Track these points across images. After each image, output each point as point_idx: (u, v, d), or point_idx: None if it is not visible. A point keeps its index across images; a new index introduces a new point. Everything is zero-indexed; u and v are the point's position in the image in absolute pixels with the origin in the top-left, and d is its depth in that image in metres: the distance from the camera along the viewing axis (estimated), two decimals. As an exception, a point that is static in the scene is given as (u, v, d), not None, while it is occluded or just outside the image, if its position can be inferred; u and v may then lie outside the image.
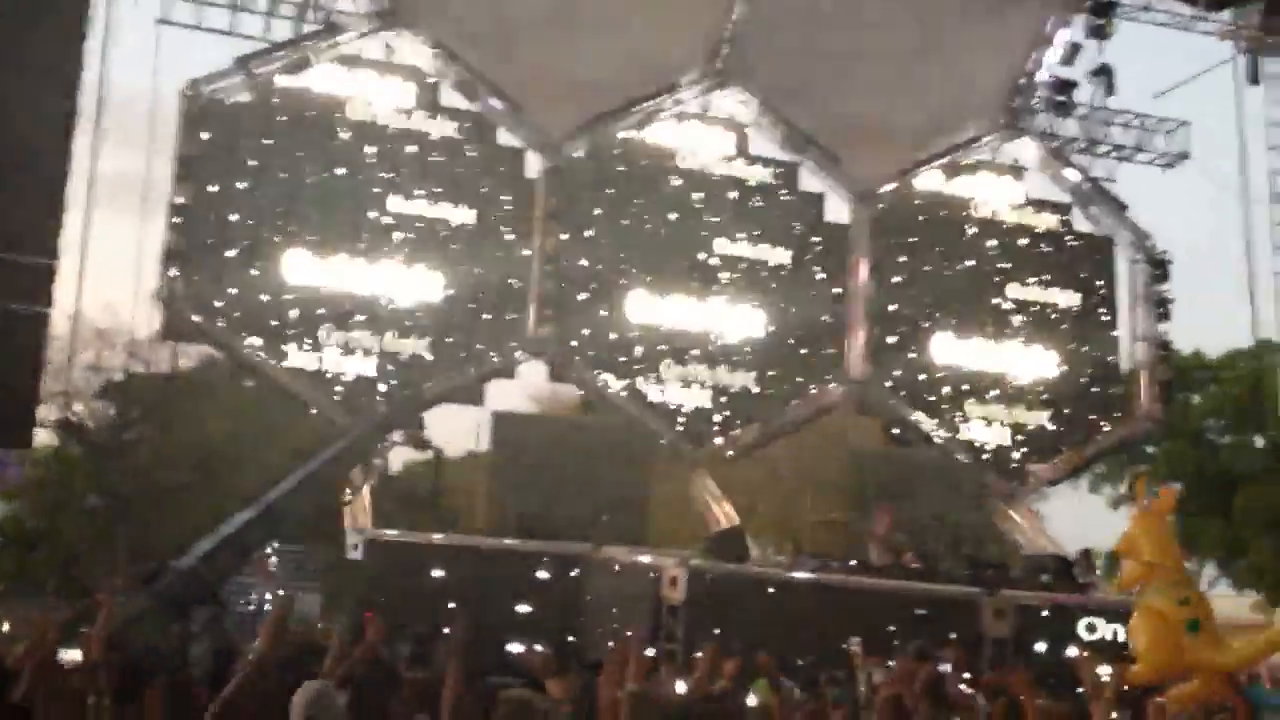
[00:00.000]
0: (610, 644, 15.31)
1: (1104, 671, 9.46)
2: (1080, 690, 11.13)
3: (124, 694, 5.30)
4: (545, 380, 24.36)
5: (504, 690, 6.66)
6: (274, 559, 17.95)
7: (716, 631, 14.86)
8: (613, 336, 22.48)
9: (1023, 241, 25.70)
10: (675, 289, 22.96)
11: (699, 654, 8.35)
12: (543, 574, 17.52)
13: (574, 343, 22.26)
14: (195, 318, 20.40)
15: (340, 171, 21.61)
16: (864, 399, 24.16)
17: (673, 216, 23.35)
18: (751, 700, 10.03)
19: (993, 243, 25.53)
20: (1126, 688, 11.09)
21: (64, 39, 18.57)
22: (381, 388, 21.05)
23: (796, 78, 23.65)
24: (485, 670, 8.50)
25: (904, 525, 19.95)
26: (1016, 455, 24.70)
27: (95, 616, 8.83)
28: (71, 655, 8.52)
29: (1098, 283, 26.11)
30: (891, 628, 15.59)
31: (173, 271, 20.24)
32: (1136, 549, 11.87)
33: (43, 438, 25.35)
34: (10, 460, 22.61)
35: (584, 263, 22.63)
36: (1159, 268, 25.79)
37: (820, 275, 24.14)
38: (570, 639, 16.05)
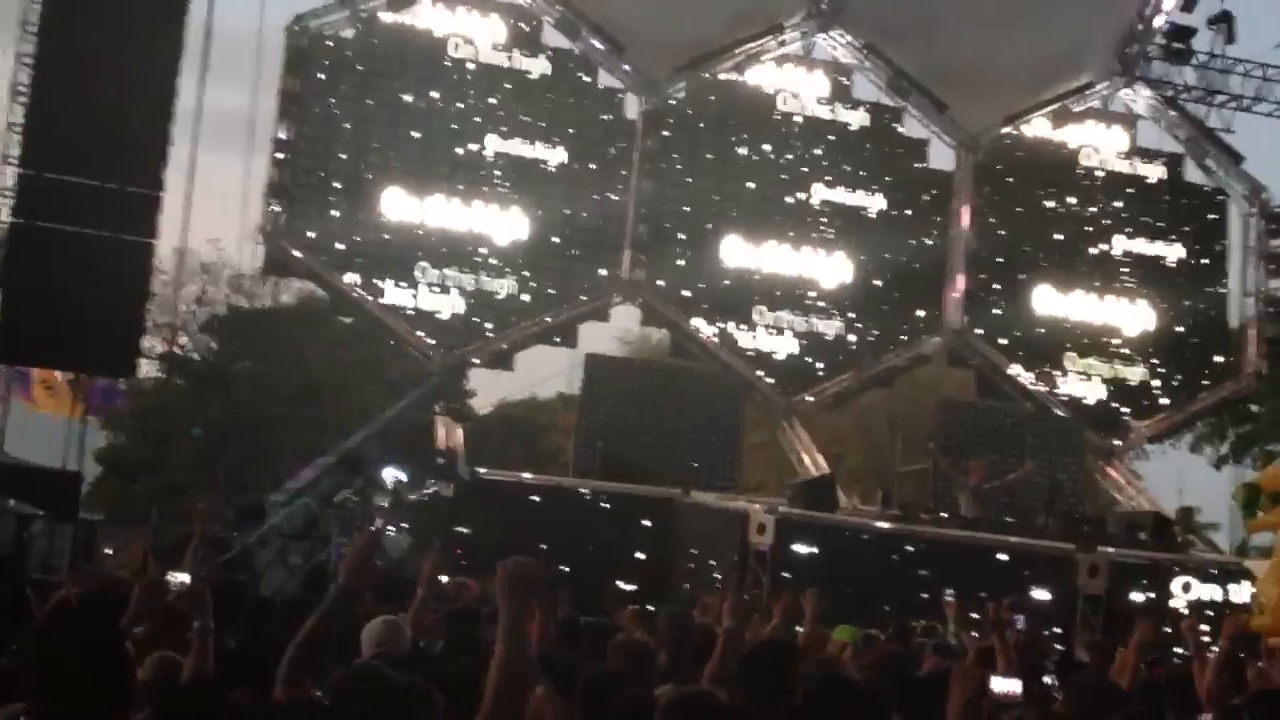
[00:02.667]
0: (686, 586, 15.48)
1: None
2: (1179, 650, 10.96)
3: (220, 617, 5.42)
4: (637, 324, 24.40)
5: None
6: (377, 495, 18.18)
7: (786, 576, 14.85)
8: (707, 281, 22.38)
9: (1131, 192, 25.02)
10: (771, 234, 22.75)
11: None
12: (631, 516, 17.57)
13: (667, 286, 22.21)
14: (296, 253, 20.71)
15: (440, 109, 21.69)
16: (960, 350, 23.81)
17: (772, 160, 23.10)
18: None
19: (1100, 192, 24.89)
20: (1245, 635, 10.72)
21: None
22: (476, 324, 21.29)
23: (902, 20, 23.19)
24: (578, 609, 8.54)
25: (997, 478, 19.64)
26: (1116, 411, 24.22)
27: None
28: (179, 578, 8.67)
29: (1208, 236, 25.39)
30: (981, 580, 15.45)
31: (275, 207, 20.55)
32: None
33: (147, 369, 25.99)
34: (117, 390, 23.21)
35: (680, 206, 22.52)
36: (1274, 222, 25.06)
37: (920, 223, 23.75)
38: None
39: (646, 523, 17.53)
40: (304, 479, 18.38)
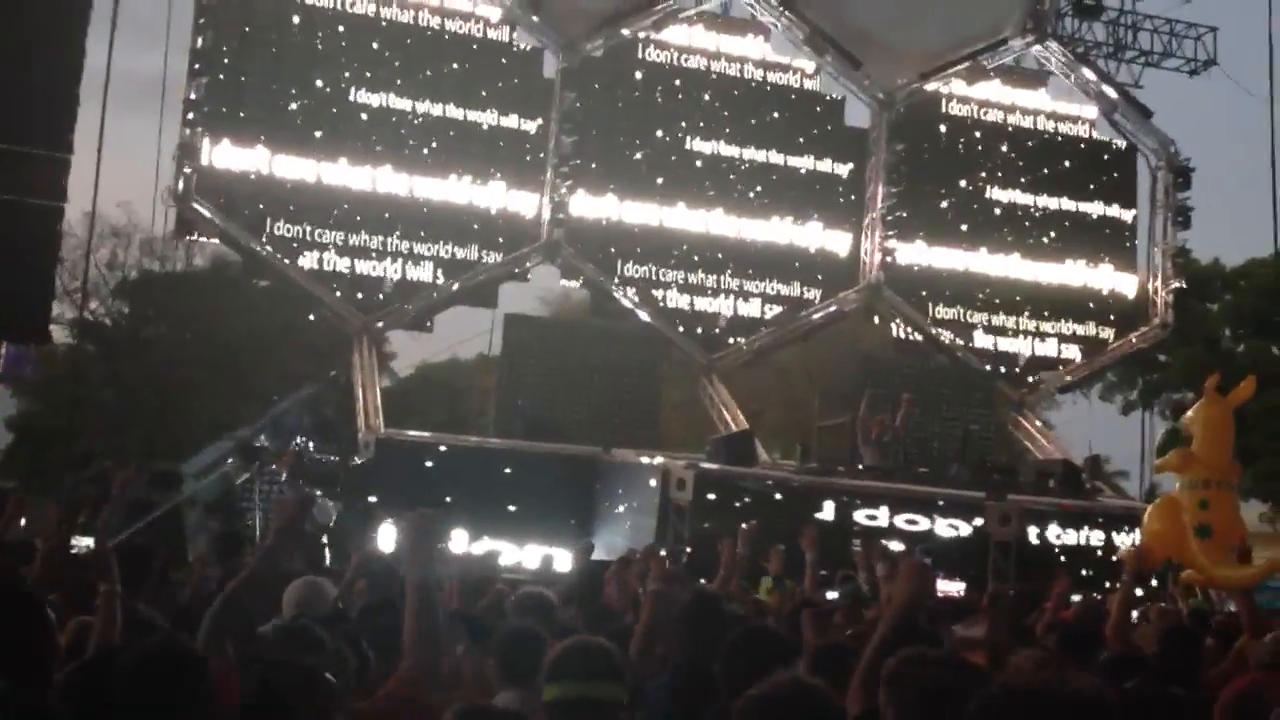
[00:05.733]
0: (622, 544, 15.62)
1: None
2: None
3: (129, 581, 5.40)
4: (557, 283, 24.38)
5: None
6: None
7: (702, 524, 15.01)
8: (626, 240, 22.39)
9: (1044, 147, 25.42)
10: (690, 192, 22.80)
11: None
12: (553, 475, 17.67)
13: (586, 245, 22.18)
14: (208, 215, 20.39)
15: (353, 68, 21.39)
16: (876, 304, 24.11)
17: (690, 119, 23.11)
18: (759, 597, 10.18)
19: (1012, 148, 25.26)
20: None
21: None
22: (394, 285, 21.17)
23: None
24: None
25: (889, 431, 19.96)
26: (1028, 363, 24.72)
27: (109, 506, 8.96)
28: (85, 542, 8.63)
29: (1118, 190, 25.89)
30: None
31: (186, 168, 20.19)
32: (1188, 434, 11.89)
33: (58, 335, 25.52)
34: (28, 356, 22.76)
35: (598, 165, 22.48)
36: (1181, 176, 25.58)
37: (836, 179, 23.95)
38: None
39: (568, 481, 17.67)
40: (204, 461, 18.27)
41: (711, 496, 16.21)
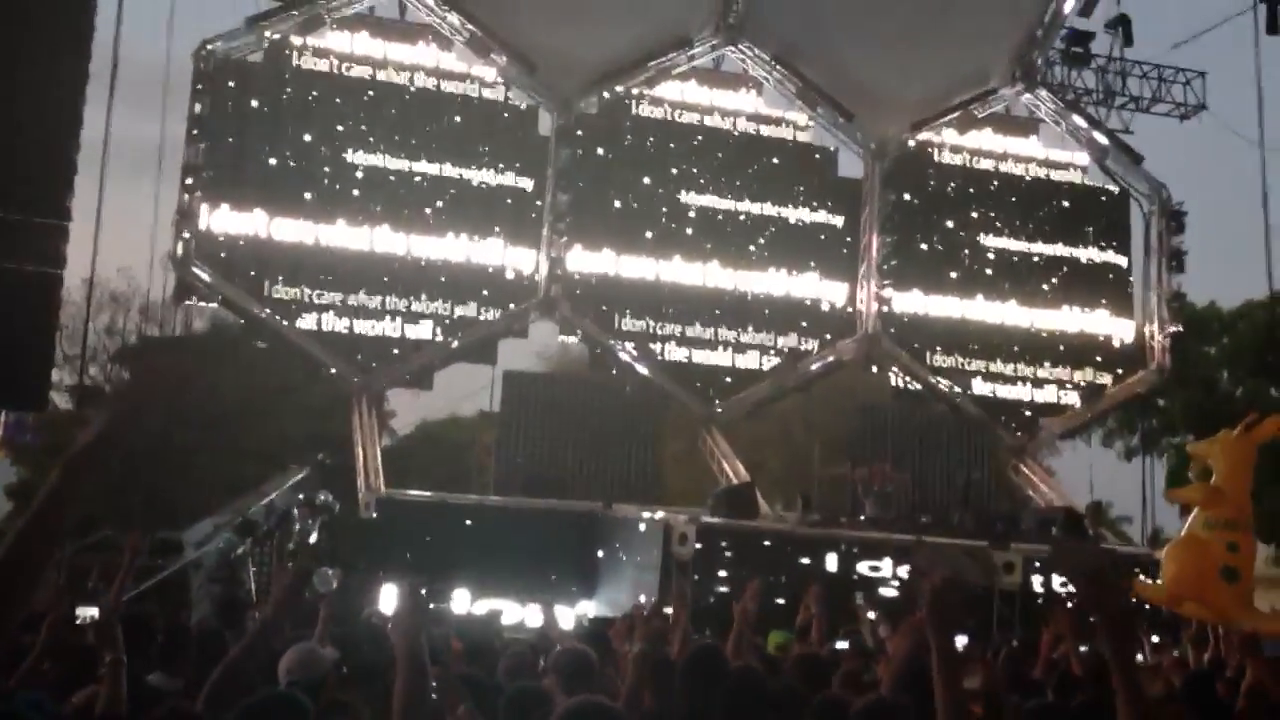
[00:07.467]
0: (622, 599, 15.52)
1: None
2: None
3: (132, 650, 5.35)
4: (556, 339, 24.44)
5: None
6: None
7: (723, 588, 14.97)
8: (623, 295, 22.48)
9: (1037, 194, 25.58)
10: (686, 247, 22.92)
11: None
12: (554, 532, 17.61)
13: (584, 301, 22.27)
14: (207, 279, 20.47)
15: (349, 130, 21.58)
16: (874, 354, 24.15)
17: (685, 173, 23.28)
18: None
19: (1006, 196, 25.41)
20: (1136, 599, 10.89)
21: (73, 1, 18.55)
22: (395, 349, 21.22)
23: (809, 32, 23.55)
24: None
25: (904, 481, 19.92)
26: (1027, 409, 24.72)
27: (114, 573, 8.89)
28: (89, 612, 8.58)
29: (1112, 235, 26.01)
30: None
31: (185, 234, 20.29)
32: (1209, 466, 11.44)
33: (58, 401, 25.50)
34: (28, 424, 22.76)
35: (596, 221, 22.59)
36: (1175, 220, 25.70)
37: (832, 231, 24.08)
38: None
39: (570, 538, 17.60)
40: (203, 531, 18.24)
41: (713, 550, 16.12)
